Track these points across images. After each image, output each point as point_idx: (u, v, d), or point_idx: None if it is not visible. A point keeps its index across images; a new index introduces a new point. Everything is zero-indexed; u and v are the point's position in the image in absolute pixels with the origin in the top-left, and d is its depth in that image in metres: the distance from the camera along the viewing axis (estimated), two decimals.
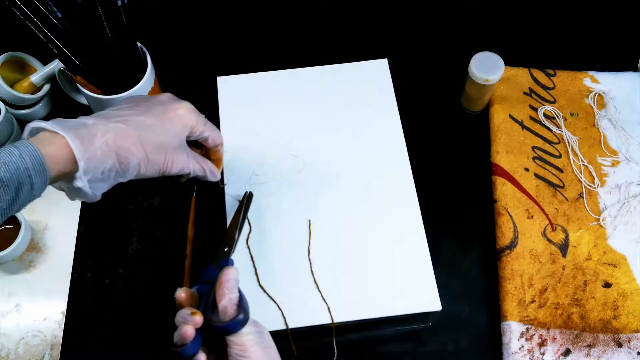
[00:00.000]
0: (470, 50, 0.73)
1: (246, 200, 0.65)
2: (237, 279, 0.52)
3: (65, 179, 0.49)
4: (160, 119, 0.54)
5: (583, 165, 0.72)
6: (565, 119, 0.76)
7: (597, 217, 0.69)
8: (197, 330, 0.50)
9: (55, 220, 0.70)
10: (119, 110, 0.54)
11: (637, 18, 0.87)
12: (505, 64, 0.72)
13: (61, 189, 0.51)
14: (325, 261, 0.64)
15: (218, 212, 0.68)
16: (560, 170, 0.72)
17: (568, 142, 0.74)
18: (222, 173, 0.67)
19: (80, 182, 0.48)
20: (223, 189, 0.68)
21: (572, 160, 0.73)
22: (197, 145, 0.61)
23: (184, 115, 0.55)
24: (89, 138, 0.48)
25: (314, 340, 0.62)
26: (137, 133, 0.51)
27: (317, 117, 0.73)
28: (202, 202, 0.71)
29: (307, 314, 0.61)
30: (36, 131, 0.49)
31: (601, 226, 0.68)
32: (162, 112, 0.54)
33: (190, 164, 0.57)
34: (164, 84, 0.75)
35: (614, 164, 0.73)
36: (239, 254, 0.64)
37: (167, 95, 0.57)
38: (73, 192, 0.50)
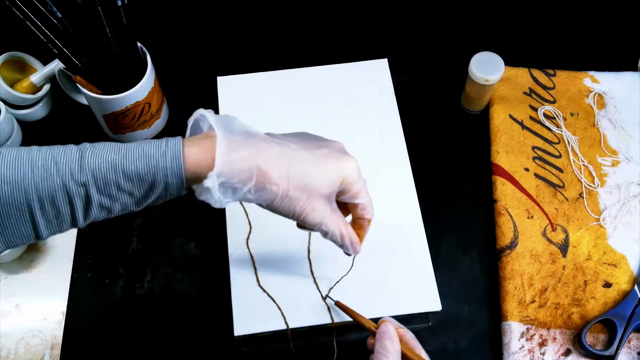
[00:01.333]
0: (470, 50, 0.73)
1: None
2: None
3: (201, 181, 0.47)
4: (319, 160, 0.48)
5: (583, 165, 0.72)
6: (565, 119, 0.76)
7: (597, 217, 0.69)
8: None
9: None
10: (287, 137, 0.50)
11: (637, 18, 0.87)
12: (505, 64, 0.72)
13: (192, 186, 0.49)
14: (325, 261, 0.64)
15: (218, 213, 0.68)
16: (561, 170, 0.72)
17: (568, 142, 0.74)
18: None
19: (210, 182, 0.45)
20: None
21: (572, 160, 0.73)
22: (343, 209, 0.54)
23: (344, 167, 0.49)
24: (239, 145, 0.46)
25: (314, 340, 0.62)
26: (289, 160, 0.47)
27: (317, 117, 0.73)
28: (202, 202, 0.71)
29: (307, 314, 0.61)
30: (201, 118, 0.48)
31: (601, 226, 0.68)
32: (325, 155, 0.49)
33: (331, 222, 0.50)
34: (164, 84, 0.75)
35: (614, 164, 0.73)
36: (239, 254, 0.64)
37: (339, 144, 0.52)
38: (202, 191, 0.47)
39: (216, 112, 0.73)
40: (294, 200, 0.47)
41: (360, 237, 0.54)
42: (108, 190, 0.44)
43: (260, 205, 0.48)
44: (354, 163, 0.50)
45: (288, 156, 0.47)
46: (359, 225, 0.53)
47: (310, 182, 0.48)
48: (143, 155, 0.44)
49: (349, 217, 0.54)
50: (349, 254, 0.54)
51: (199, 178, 0.46)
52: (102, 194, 0.44)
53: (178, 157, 0.44)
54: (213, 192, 0.45)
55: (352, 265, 0.62)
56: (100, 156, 0.44)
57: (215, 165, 0.45)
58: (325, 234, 0.51)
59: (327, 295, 0.61)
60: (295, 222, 0.52)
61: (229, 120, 0.48)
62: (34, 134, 0.76)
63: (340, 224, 0.51)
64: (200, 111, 0.48)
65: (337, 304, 0.59)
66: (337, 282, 0.62)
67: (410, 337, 0.52)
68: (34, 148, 0.44)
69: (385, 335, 0.51)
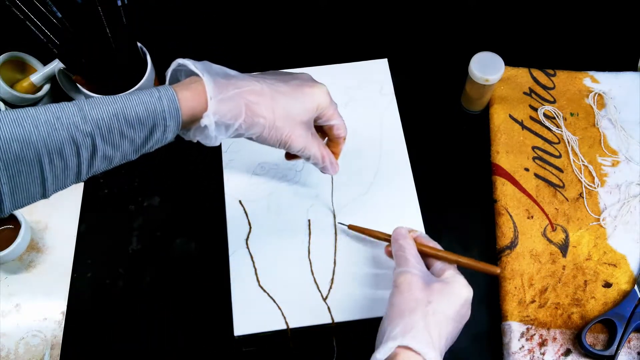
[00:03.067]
0: (470, 50, 0.73)
1: None
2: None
3: (195, 123, 0.52)
4: (295, 90, 0.55)
5: (583, 165, 0.72)
6: (565, 119, 0.76)
7: (597, 217, 0.69)
8: None
9: (55, 220, 0.70)
10: (259, 74, 0.56)
11: (637, 18, 0.87)
12: (505, 64, 0.72)
13: (187, 137, 0.53)
14: (325, 261, 0.64)
15: (218, 213, 0.68)
16: (560, 170, 0.72)
17: (568, 142, 0.74)
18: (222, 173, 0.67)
19: (207, 120, 0.50)
20: (223, 191, 0.68)
21: (572, 160, 0.73)
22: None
23: (317, 94, 0.56)
24: (225, 85, 0.51)
25: (314, 340, 0.62)
26: (270, 94, 0.53)
27: None
28: (202, 202, 0.71)
29: (307, 314, 0.61)
30: (178, 68, 0.52)
31: (601, 226, 0.68)
32: (298, 85, 0.55)
33: (313, 146, 0.57)
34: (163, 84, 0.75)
35: (614, 164, 0.73)
36: (239, 254, 0.64)
37: (306, 74, 0.58)
38: (197, 132, 0.52)
39: None
40: (280, 130, 0.53)
41: (337, 154, 0.61)
42: (112, 138, 0.47)
43: (250, 138, 0.54)
44: (324, 88, 0.56)
45: (268, 89, 0.53)
46: (335, 143, 0.61)
47: (292, 111, 0.54)
48: (140, 102, 0.47)
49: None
50: (328, 173, 0.60)
51: (194, 119, 0.50)
52: (107, 142, 0.47)
53: (174, 101, 0.48)
54: (210, 129, 0.50)
55: (332, 184, 0.68)
56: (100, 107, 0.46)
57: (209, 105, 0.50)
58: (307, 158, 0.58)
59: (339, 222, 0.66)
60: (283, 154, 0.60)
61: (209, 65, 0.52)
62: None
63: (320, 147, 0.58)
64: (179, 60, 0.52)
65: (350, 226, 0.63)
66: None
67: (422, 235, 0.58)
68: (29, 109, 0.45)
69: (399, 236, 0.56)
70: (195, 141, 0.53)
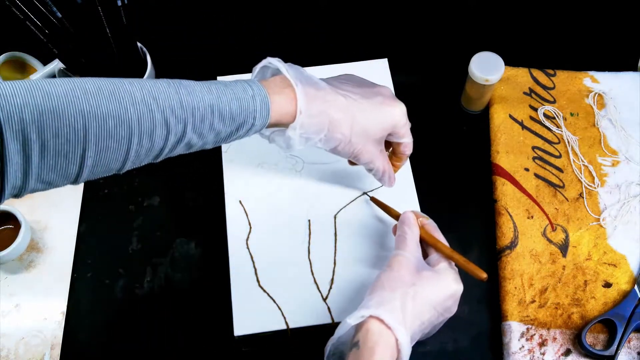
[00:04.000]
0: (470, 50, 0.73)
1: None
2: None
3: (277, 126, 0.53)
4: (376, 108, 0.56)
5: (583, 165, 0.72)
6: (565, 119, 0.76)
7: (597, 217, 0.69)
8: None
9: (55, 220, 0.70)
10: (343, 84, 0.57)
11: (637, 18, 0.87)
12: (505, 64, 0.72)
13: (263, 136, 0.55)
14: (325, 261, 0.64)
15: (218, 213, 0.68)
16: (560, 170, 0.72)
17: (568, 142, 0.74)
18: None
19: (293, 133, 0.52)
20: (223, 192, 0.68)
21: (572, 160, 0.73)
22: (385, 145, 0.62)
23: (396, 115, 0.57)
24: (314, 99, 0.52)
25: (314, 340, 0.62)
26: (353, 113, 0.54)
27: None
28: (202, 202, 0.71)
29: (307, 314, 0.61)
30: (268, 70, 0.53)
31: (601, 226, 0.68)
32: (380, 102, 0.57)
33: (379, 161, 0.59)
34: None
35: (614, 164, 0.73)
36: (239, 254, 0.64)
37: (388, 90, 0.59)
38: (277, 139, 0.54)
39: None
40: (354, 145, 0.56)
41: (397, 168, 0.64)
42: (201, 128, 0.47)
43: (322, 148, 0.56)
44: (403, 109, 0.58)
45: (352, 107, 0.54)
46: (398, 158, 0.63)
47: (368, 130, 0.56)
48: (235, 97, 0.48)
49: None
50: (384, 185, 0.63)
51: (279, 124, 0.52)
52: (195, 131, 0.47)
53: (266, 102, 0.49)
54: (294, 141, 0.53)
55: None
56: (196, 95, 0.46)
57: (297, 119, 0.51)
58: (370, 170, 0.61)
59: (364, 192, 0.68)
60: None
61: (299, 72, 0.53)
62: None
63: (384, 162, 0.60)
64: (269, 59, 0.53)
65: (372, 198, 0.66)
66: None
67: (431, 224, 0.59)
68: (123, 82, 0.44)
69: (406, 221, 0.58)
70: (270, 143, 0.55)
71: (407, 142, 0.60)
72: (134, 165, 0.47)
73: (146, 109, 0.43)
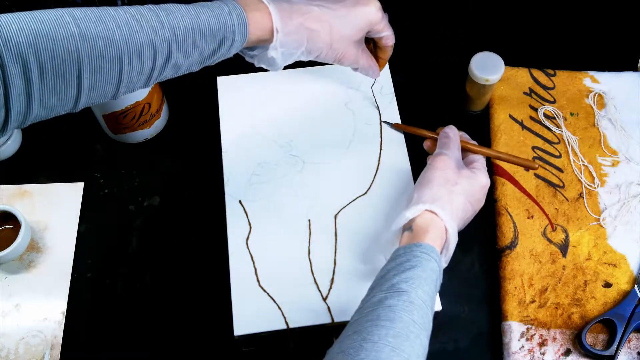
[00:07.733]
0: (470, 50, 0.73)
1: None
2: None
3: (257, 47, 0.56)
4: (350, 11, 0.58)
5: (583, 165, 0.72)
6: (565, 119, 0.76)
7: (597, 217, 0.69)
8: None
9: (55, 220, 0.70)
10: None
11: (637, 18, 0.87)
12: (505, 64, 0.72)
13: (250, 58, 0.57)
14: (325, 261, 0.64)
15: (218, 213, 0.68)
16: (560, 170, 0.72)
17: (568, 142, 0.74)
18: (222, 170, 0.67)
19: (275, 52, 0.55)
20: (223, 190, 0.68)
21: (572, 160, 0.73)
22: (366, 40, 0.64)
23: (371, 13, 0.59)
24: (288, 14, 0.54)
25: (314, 340, 0.62)
26: (329, 20, 0.57)
27: (317, 117, 0.73)
28: (202, 202, 0.71)
29: (307, 314, 0.61)
30: None
31: (601, 226, 0.68)
32: (353, 4, 0.59)
33: (361, 60, 0.62)
34: (164, 84, 0.75)
35: (614, 164, 0.73)
36: (239, 254, 0.64)
37: None
38: (262, 60, 0.57)
39: (216, 112, 0.74)
40: (335, 50, 0.58)
41: (384, 60, 0.67)
42: (185, 47, 0.49)
43: (305, 59, 0.58)
44: (376, 4, 0.60)
45: (327, 15, 0.57)
46: (383, 51, 0.66)
47: (346, 33, 0.58)
48: (212, 14, 0.50)
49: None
50: (370, 77, 0.67)
51: (261, 41, 0.54)
52: (180, 50, 0.49)
53: (243, 17, 0.51)
54: (277, 60, 0.55)
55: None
56: (175, 16, 0.48)
57: (275, 38, 0.53)
58: (356, 69, 0.64)
59: (384, 121, 0.72)
60: None
61: None
62: (33, 133, 0.76)
63: (368, 59, 0.64)
64: None
65: (396, 125, 0.70)
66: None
67: (466, 135, 0.66)
68: (108, 8, 0.46)
69: (450, 130, 0.63)
70: (257, 66, 0.58)
71: (387, 35, 0.63)
72: (127, 89, 0.49)
73: (131, 30, 0.46)
